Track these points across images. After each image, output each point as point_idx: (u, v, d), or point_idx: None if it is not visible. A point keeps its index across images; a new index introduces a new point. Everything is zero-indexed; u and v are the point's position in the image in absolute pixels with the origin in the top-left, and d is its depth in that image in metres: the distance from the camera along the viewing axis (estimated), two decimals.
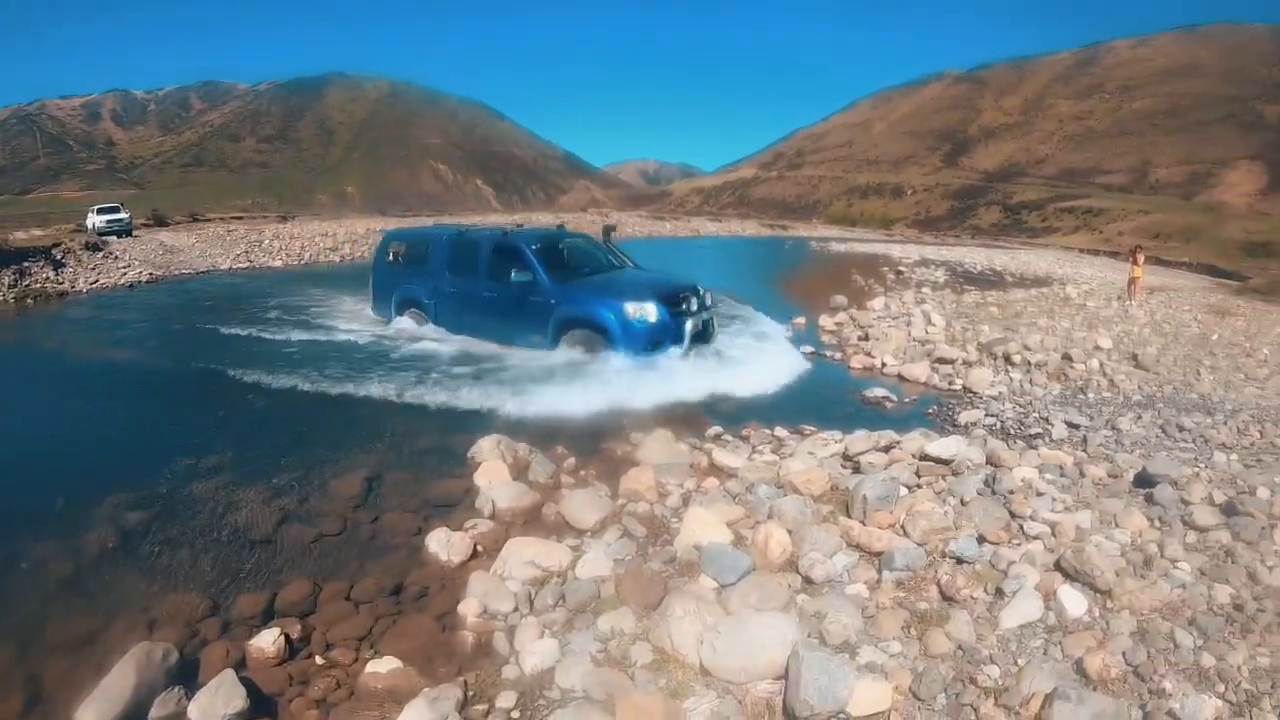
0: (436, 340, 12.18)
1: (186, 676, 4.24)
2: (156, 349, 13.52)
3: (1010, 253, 58.18)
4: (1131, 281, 22.12)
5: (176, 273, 25.97)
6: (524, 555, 5.26)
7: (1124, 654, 3.74)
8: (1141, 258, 23.15)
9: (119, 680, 3.98)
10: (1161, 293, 24.84)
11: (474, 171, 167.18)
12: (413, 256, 13.69)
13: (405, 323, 13.09)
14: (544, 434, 8.08)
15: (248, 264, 29.01)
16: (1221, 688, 3.56)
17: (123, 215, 42.83)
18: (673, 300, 10.95)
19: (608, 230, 14.10)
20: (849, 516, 5.42)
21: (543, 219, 49.07)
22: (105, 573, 5.54)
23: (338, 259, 31.99)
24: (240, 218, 43.85)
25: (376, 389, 9.81)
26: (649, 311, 10.57)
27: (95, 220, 40.93)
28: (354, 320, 14.60)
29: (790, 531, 5.07)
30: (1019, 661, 3.79)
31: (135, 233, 41.28)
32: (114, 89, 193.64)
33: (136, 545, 5.90)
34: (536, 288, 11.20)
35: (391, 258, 13.99)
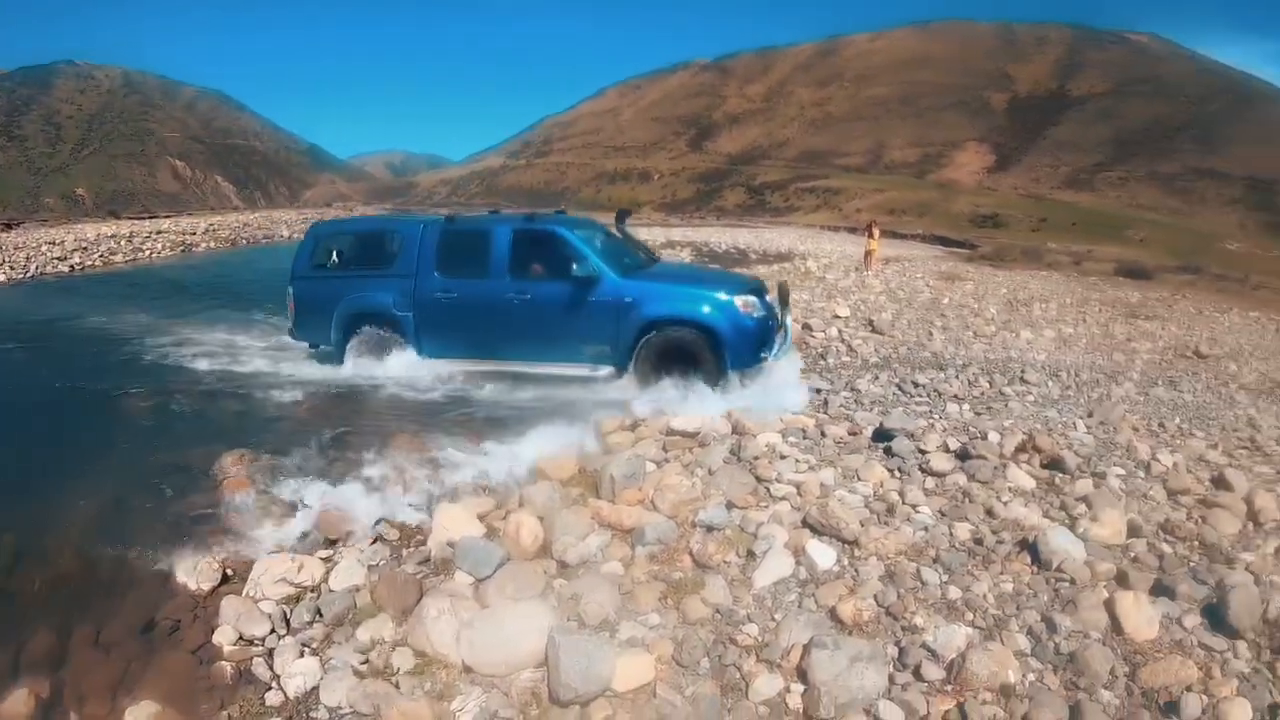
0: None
1: None
2: None
3: (755, 231, 61.40)
4: (868, 254, 24.13)
5: None
6: (275, 573, 5.05)
7: (875, 597, 4.08)
8: (877, 231, 25.48)
9: None
10: (896, 263, 27.32)
11: (214, 167, 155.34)
12: (366, 256, 10.70)
13: (360, 362, 9.96)
14: (290, 440, 7.61)
15: None
16: (970, 616, 3.98)
17: None
18: (759, 292, 9.38)
19: (622, 216, 11.29)
20: (598, 497, 5.56)
21: (286, 215, 46.58)
22: None
23: (67, 269, 28.73)
24: None
25: None
26: (755, 305, 8.90)
27: None
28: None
29: (541, 518, 5.14)
30: (776, 617, 4.04)
31: None
32: None
33: None
34: (599, 284, 9.02)
35: (331, 260, 10.72)
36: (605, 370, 9.12)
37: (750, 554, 4.54)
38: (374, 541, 5.51)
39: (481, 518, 5.40)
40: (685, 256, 28.86)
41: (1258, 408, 8.84)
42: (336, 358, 10.12)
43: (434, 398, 9.08)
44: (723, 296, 8.83)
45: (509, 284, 9.33)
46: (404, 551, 5.35)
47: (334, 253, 10.77)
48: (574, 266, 9.04)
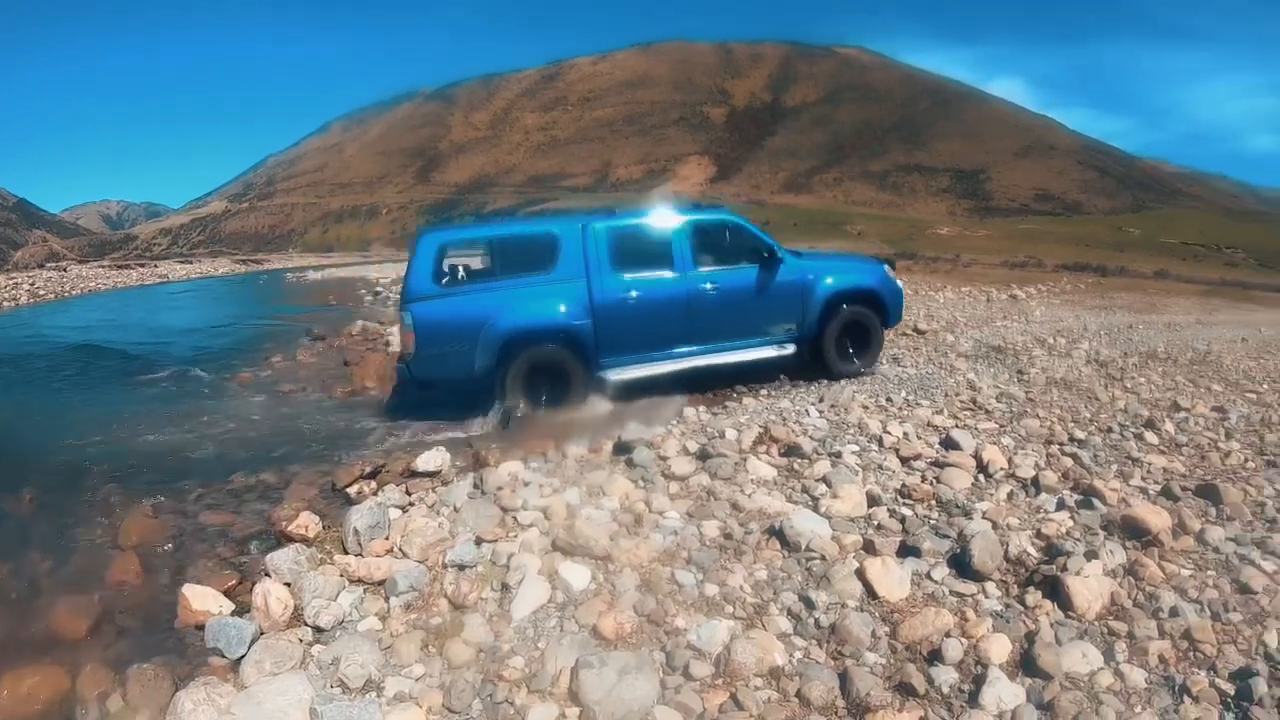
0: None
1: None
2: None
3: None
4: None
5: None
6: (17, 692, 4.56)
7: (634, 607, 4.17)
8: None
9: None
10: None
11: None
12: (511, 265, 9.29)
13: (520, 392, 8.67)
14: (9, 541, 6.79)
15: None
16: (730, 608, 4.15)
17: None
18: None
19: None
20: (346, 553, 5.40)
21: None
22: None
23: None
24: None
25: None
26: (893, 273, 10.55)
27: None
28: None
29: (289, 584, 4.95)
30: (540, 645, 4.02)
31: None
32: None
33: None
34: (782, 265, 9.51)
35: (461, 273, 9.38)
36: (790, 349, 9.61)
37: (505, 586, 4.53)
38: (117, 637, 5.05)
39: (228, 592, 5.14)
40: None
41: (975, 371, 9.80)
42: (483, 391, 8.81)
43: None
44: (877, 266, 10.52)
45: (697, 275, 9.18)
46: (149, 643, 4.91)
47: (466, 264, 9.49)
48: (758, 251, 9.48)
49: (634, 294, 8.92)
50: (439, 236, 9.28)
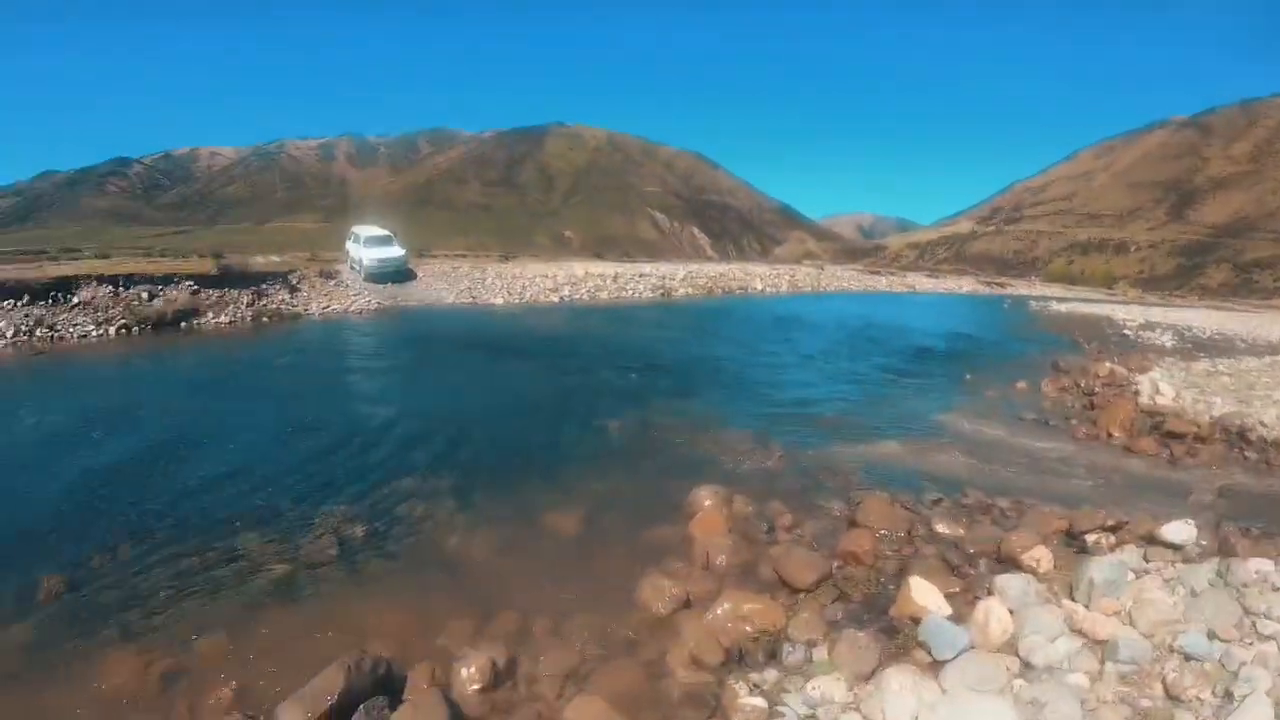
0: None
1: (391, 689, 4.61)
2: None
3: (1240, 316, 54.51)
4: None
5: (403, 304, 27.02)
6: (737, 610, 5.40)
7: None
8: None
9: (325, 683, 4.37)
10: None
11: (690, 219, 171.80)
12: None
13: None
14: (760, 487, 8.19)
15: (470, 300, 29.75)
16: None
17: (397, 252, 31.26)
18: None
19: None
20: (1073, 600, 5.31)
21: (759, 270, 48.25)
22: (320, 579, 6.12)
23: (557, 299, 32.18)
24: (464, 255, 43.63)
25: None
26: None
27: (362, 255, 30.07)
28: None
29: (1012, 611, 5.03)
30: None
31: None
32: (347, 133, 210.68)
33: (353, 556, 6.50)
34: None
35: None
36: None
37: (1229, 695, 4.10)
38: (837, 599, 5.71)
39: (949, 597, 5.37)
40: (1166, 340, 25.97)
41: None
42: None
43: None
44: None
45: None
46: (865, 615, 5.45)
47: None
48: None
49: None
50: None
